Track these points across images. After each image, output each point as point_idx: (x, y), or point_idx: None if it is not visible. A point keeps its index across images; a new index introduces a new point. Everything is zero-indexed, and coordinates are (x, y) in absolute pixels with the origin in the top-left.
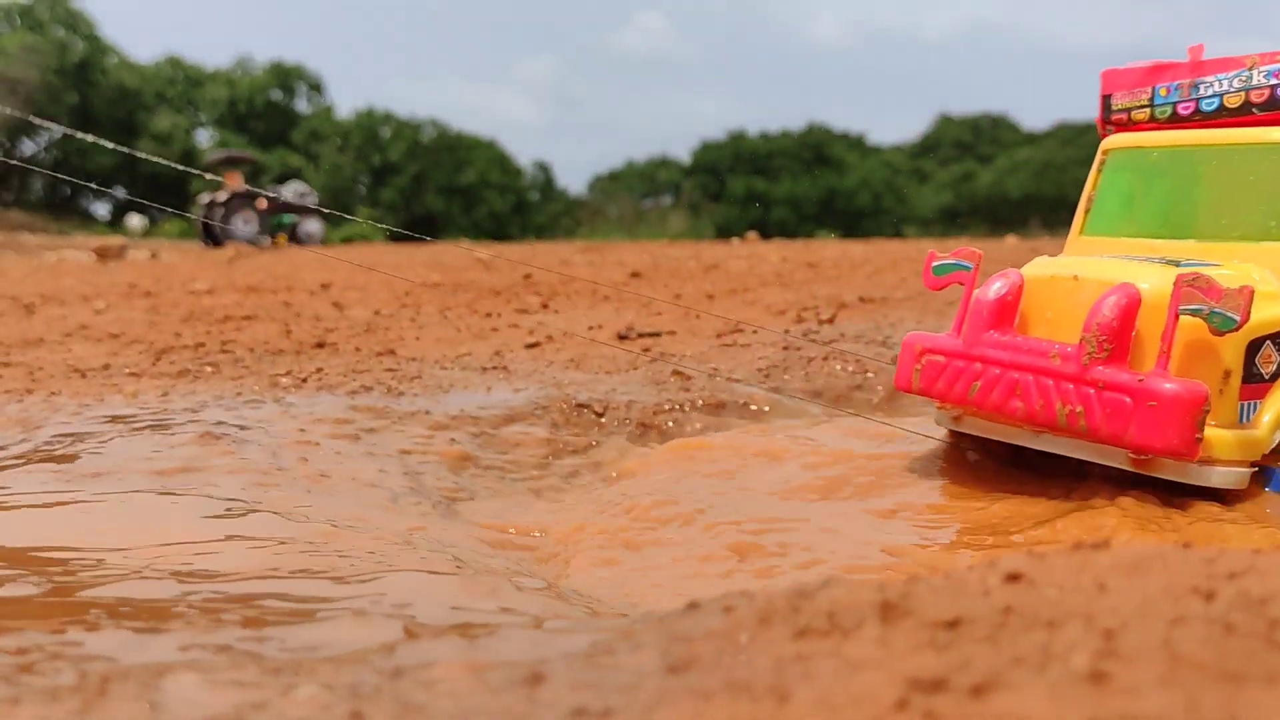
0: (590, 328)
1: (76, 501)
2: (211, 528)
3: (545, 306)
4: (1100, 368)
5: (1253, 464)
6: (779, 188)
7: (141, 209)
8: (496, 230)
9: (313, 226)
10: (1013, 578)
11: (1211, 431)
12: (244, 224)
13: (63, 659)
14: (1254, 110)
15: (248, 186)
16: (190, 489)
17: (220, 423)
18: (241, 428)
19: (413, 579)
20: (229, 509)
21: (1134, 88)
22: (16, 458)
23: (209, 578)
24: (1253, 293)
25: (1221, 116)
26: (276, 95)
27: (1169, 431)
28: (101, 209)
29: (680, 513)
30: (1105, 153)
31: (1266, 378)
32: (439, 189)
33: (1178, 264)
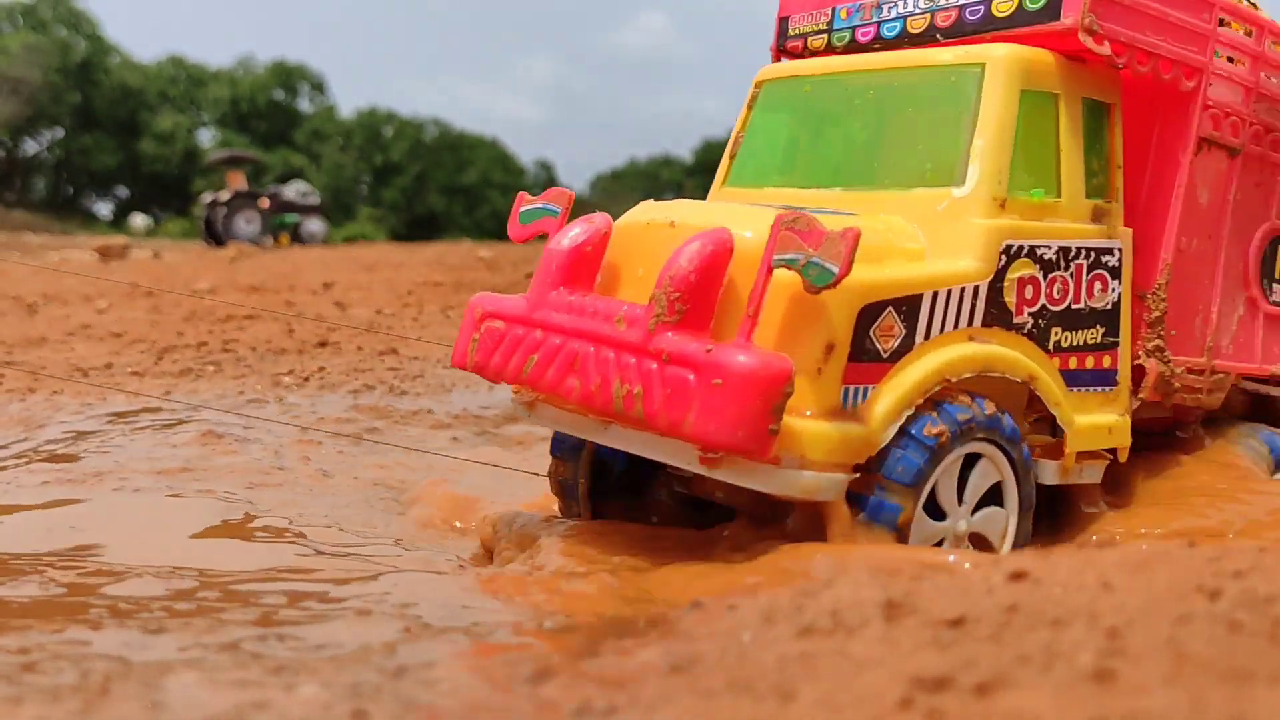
0: None
1: (78, 501)
2: (213, 527)
3: None
4: (669, 335)
5: (855, 468)
6: None
7: (145, 210)
8: (499, 230)
9: (315, 226)
10: (1017, 576)
11: (801, 423)
12: (246, 224)
13: (64, 658)
14: (939, 37)
15: (250, 186)
16: (192, 488)
17: (222, 422)
18: (244, 427)
19: (415, 578)
20: (231, 508)
21: (813, 9)
22: (18, 457)
23: (211, 576)
24: (858, 236)
25: (903, 44)
26: (279, 95)
27: (734, 419)
28: (104, 209)
29: None
30: (758, 85)
31: (884, 356)
32: (441, 188)
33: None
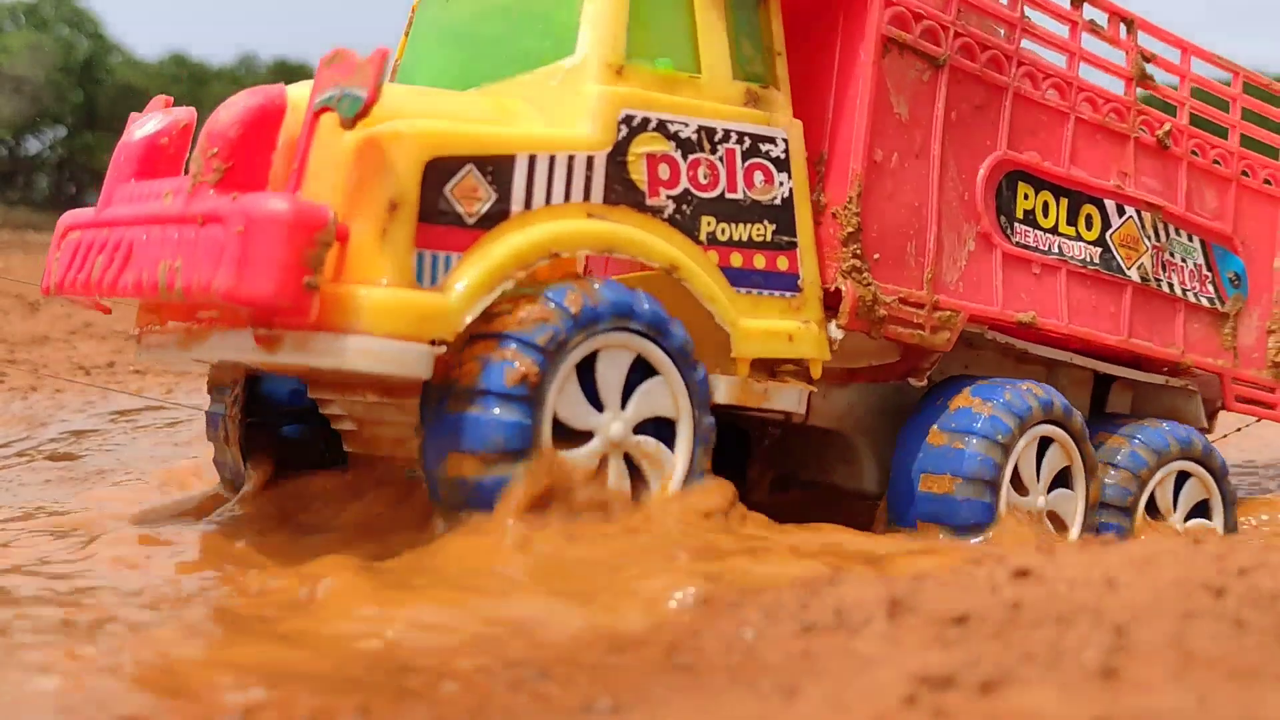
0: None
1: (79, 500)
2: (216, 526)
3: None
4: (211, 193)
5: (435, 341)
6: None
7: None
8: None
9: None
10: (1021, 573)
11: (366, 290)
12: None
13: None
14: None
15: None
16: (194, 486)
17: None
18: None
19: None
20: (233, 506)
21: None
22: (20, 455)
23: (213, 576)
24: (385, 55)
25: None
26: None
27: (259, 270)
28: None
29: None
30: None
31: (469, 221)
32: None
33: None
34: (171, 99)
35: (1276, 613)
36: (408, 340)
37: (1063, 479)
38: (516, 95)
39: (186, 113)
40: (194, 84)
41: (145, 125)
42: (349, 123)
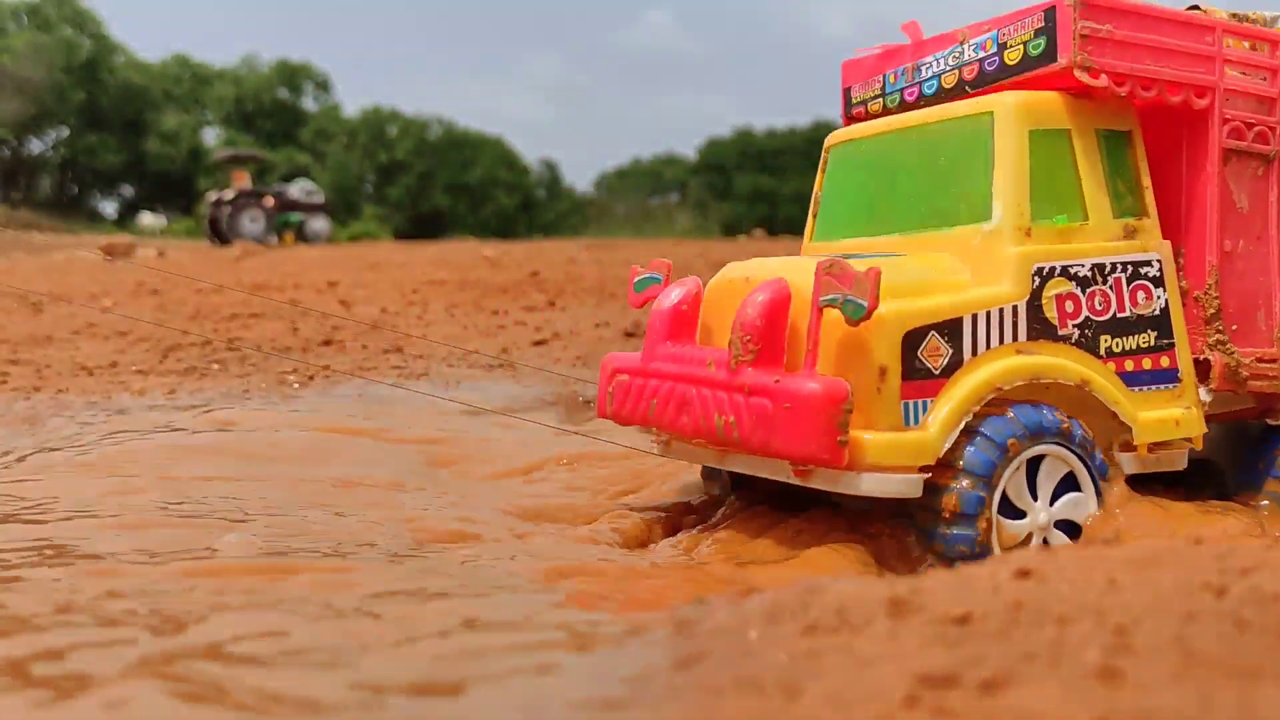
0: (597, 325)
1: (82, 499)
2: (218, 525)
3: (552, 304)
4: (748, 371)
5: (922, 469)
6: (786, 185)
7: (150, 208)
8: (503, 228)
9: (319, 225)
10: (1023, 573)
11: (869, 435)
12: (251, 222)
13: (69, 656)
14: (967, 89)
15: (255, 185)
16: (197, 486)
17: (228, 420)
18: (249, 426)
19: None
20: (236, 506)
21: (868, 78)
22: (23, 455)
23: (215, 575)
24: (879, 274)
25: (942, 100)
26: (283, 93)
27: (806, 436)
28: (109, 207)
29: None
30: (827, 150)
31: (935, 373)
32: (446, 187)
33: (848, 258)
34: (670, 263)
35: (1278, 613)
36: (904, 471)
37: None
38: (943, 249)
39: (694, 282)
40: (196, 84)
41: (670, 296)
42: (853, 323)
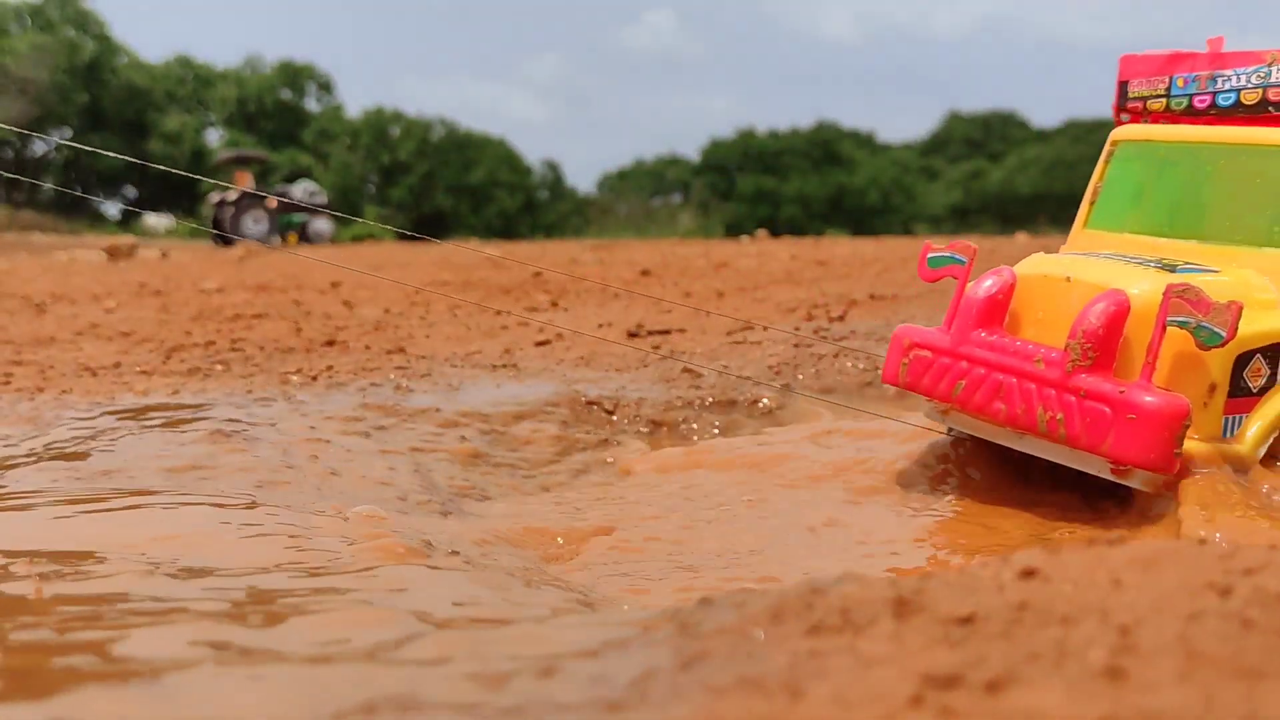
0: (600, 325)
1: (85, 498)
2: (221, 525)
3: (555, 305)
4: (1083, 375)
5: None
6: (788, 186)
7: (153, 209)
8: (506, 229)
9: (322, 225)
10: (1027, 573)
11: (1192, 445)
12: (254, 223)
13: (71, 655)
14: (1270, 109)
15: (258, 186)
16: (200, 487)
17: (231, 420)
18: (252, 425)
19: (422, 575)
20: (239, 506)
21: (1151, 76)
22: (27, 455)
23: (220, 574)
24: (1241, 309)
25: (1237, 113)
26: (286, 94)
27: (1147, 445)
28: (112, 209)
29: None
30: (1114, 144)
31: (1254, 391)
32: (448, 188)
33: (1174, 268)
34: (976, 247)
35: None
36: None
37: None
38: (1251, 267)
39: (1010, 273)
40: (199, 85)
41: (986, 284)
42: (1205, 348)
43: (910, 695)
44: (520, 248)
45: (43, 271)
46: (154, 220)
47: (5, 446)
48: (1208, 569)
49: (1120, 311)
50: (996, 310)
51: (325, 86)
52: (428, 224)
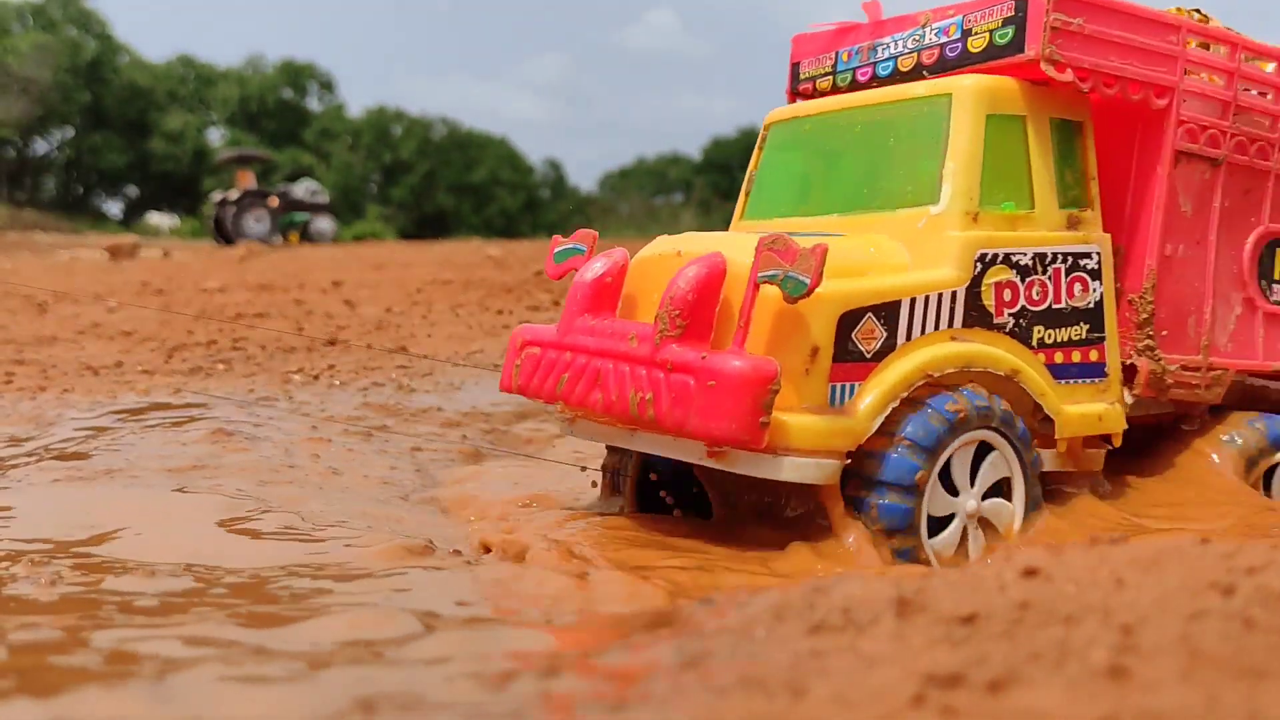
0: None
1: (87, 498)
2: (223, 524)
3: (557, 304)
4: (673, 347)
5: (846, 455)
6: None
7: (155, 209)
8: (507, 228)
9: (323, 225)
10: (1029, 573)
11: (791, 417)
12: (255, 222)
13: (74, 654)
14: (925, 73)
15: (259, 185)
16: (202, 486)
17: (232, 420)
18: (254, 425)
19: (424, 575)
20: (241, 505)
21: (819, 54)
22: (30, 454)
23: (222, 573)
24: (825, 251)
25: (896, 81)
26: (288, 94)
27: (729, 414)
28: (114, 208)
29: None
30: (767, 127)
31: (868, 356)
32: (450, 187)
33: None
34: (595, 233)
35: None
36: (826, 456)
37: None
38: (883, 231)
39: (621, 254)
40: (201, 84)
41: (593, 267)
42: (791, 300)
43: (912, 694)
44: (522, 246)
45: (44, 270)
46: (157, 219)
47: (7, 446)
48: (1210, 568)
49: (713, 274)
50: (606, 294)
51: (327, 86)
52: (429, 223)
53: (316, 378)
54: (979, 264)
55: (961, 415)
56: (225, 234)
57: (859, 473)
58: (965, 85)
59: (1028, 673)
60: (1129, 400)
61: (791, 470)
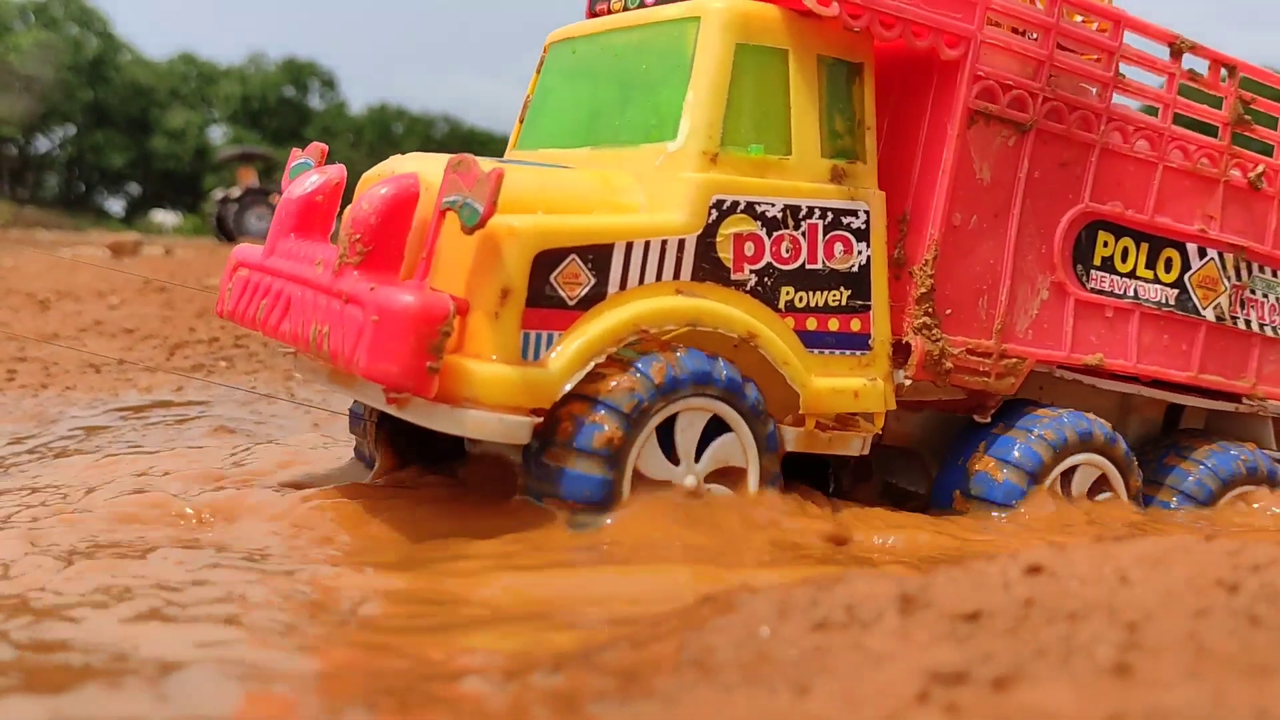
0: None
1: (87, 496)
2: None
3: None
4: (353, 274)
5: (534, 411)
6: None
7: (158, 206)
8: None
9: None
10: (1033, 570)
11: (477, 365)
12: (257, 220)
13: (75, 652)
14: None
15: (261, 183)
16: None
17: (234, 417)
18: (255, 423)
19: None
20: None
21: None
22: (31, 452)
23: (220, 572)
24: (501, 176)
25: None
26: (289, 91)
27: (390, 355)
28: (116, 205)
29: None
30: (546, 49)
31: (570, 303)
32: None
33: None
34: (326, 147)
35: None
36: (513, 412)
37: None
38: (623, 168)
39: (338, 171)
40: (203, 82)
41: (304, 183)
42: (467, 230)
43: (917, 692)
44: None
45: (46, 268)
46: (160, 216)
47: (9, 443)
48: (1216, 565)
49: (401, 196)
50: (317, 215)
51: (328, 83)
52: None
53: None
54: (714, 211)
55: (670, 378)
56: (227, 231)
57: (552, 436)
58: (715, 8)
59: (1033, 670)
60: (904, 381)
61: (474, 425)
